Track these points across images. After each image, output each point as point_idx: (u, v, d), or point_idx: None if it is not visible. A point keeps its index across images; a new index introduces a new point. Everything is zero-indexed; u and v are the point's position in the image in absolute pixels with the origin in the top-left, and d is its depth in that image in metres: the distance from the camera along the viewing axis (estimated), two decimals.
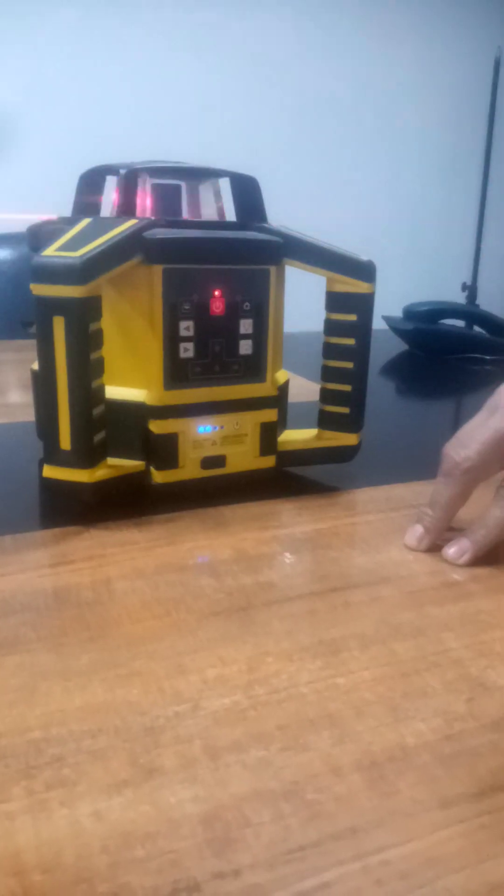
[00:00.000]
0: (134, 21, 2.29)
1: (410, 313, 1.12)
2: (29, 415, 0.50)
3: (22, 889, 0.21)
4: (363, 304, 0.49)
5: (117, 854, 0.22)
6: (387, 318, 1.13)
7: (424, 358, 1.09)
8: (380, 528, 0.46)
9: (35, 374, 0.50)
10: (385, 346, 1.12)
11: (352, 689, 0.30)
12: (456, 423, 0.50)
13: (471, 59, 2.78)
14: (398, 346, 1.14)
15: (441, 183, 2.91)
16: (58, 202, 0.82)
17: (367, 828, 0.23)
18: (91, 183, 0.51)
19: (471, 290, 2.87)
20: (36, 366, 0.50)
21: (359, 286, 0.49)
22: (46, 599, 0.37)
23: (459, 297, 2.82)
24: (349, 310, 0.49)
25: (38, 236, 0.48)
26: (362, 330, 0.50)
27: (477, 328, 1.17)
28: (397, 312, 1.14)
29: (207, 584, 0.38)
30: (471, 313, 1.20)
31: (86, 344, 0.41)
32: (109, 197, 0.51)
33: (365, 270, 0.49)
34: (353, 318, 0.49)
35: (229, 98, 2.46)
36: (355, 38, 2.59)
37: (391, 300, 1.33)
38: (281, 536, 0.45)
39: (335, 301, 0.50)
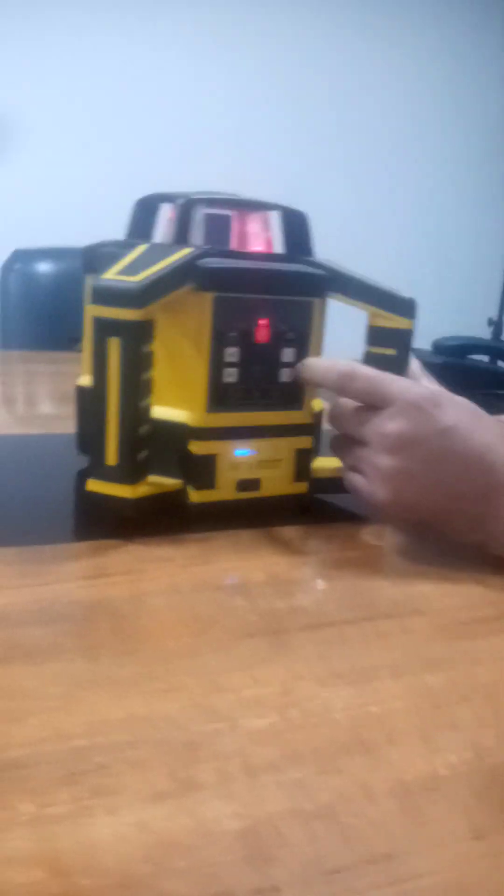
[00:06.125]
0: (141, 27, 2.24)
1: (440, 347, 1.13)
2: (64, 427, 0.52)
3: (67, 892, 0.22)
4: (402, 340, 0.51)
5: (159, 863, 0.23)
6: (415, 352, 1.14)
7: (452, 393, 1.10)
8: (409, 559, 0.47)
9: (81, 390, 0.52)
10: None
11: (384, 718, 0.31)
12: None
13: (501, 90, 2.79)
14: None
15: (469, 216, 2.93)
16: (58, 208, 0.83)
17: (401, 854, 0.24)
18: (146, 209, 0.53)
19: (496, 325, 2.88)
20: (82, 381, 0.52)
21: (399, 322, 0.50)
22: (84, 610, 0.38)
23: (485, 332, 2.83)
24: (389, 344, 0.51)
25: (93, 258, 0.50)
26: (400, 364, 0.51)
27: (501, 363, 1.17)
28: (423, 345, 1.15)
29: (241, 606, 0.39)
30: (497, 349, 1.21)
31: (138, 365, 0.42)
32: (161, 223, 0.53)
33: (406, 307, 0.50)
34: (392, 352, 0.51)
35: (246, 116, 2.39)
36: (384, 71, 2.61)
37: (418, 334, 1.33)
38: (312, 562, 0.46)
39: (376, 335, 0.51)
